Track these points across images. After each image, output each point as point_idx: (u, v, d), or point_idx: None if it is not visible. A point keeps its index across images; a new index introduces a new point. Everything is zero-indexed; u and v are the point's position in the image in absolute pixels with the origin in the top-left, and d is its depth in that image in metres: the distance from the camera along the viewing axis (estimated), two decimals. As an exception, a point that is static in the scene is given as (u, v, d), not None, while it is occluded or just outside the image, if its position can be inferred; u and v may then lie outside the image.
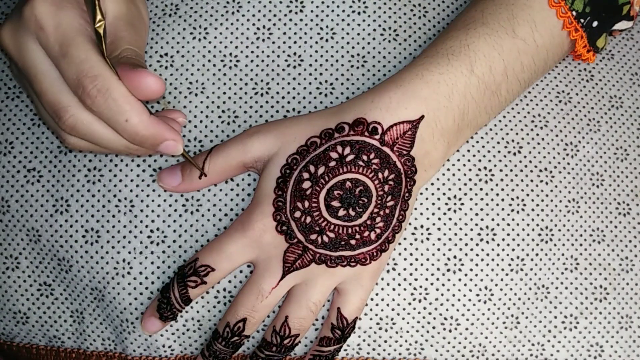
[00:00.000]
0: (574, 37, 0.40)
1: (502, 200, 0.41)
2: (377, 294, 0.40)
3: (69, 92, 0.34)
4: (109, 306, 0.40)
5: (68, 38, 0.33)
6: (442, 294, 0.40)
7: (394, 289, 0.40)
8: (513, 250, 0.41)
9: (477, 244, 0.40)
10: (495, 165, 0.41)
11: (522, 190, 0.41)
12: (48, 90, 0.34)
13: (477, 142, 0.41)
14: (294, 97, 0.41)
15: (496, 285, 0.41)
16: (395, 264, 0.40)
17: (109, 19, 0.36)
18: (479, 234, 0.40)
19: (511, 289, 0.41)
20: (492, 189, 0.41)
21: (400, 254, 0.40)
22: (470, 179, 0.41)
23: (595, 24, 0.40)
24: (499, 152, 0.41)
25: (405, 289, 0.40)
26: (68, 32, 0.33)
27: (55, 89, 0.34)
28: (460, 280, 0.40)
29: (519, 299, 0.41)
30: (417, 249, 0.40)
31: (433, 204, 0.40)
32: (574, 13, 0.39)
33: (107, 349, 0.42)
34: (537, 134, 0.42)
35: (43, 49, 0.34)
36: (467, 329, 0.41)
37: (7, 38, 0.35)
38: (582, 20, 0.40)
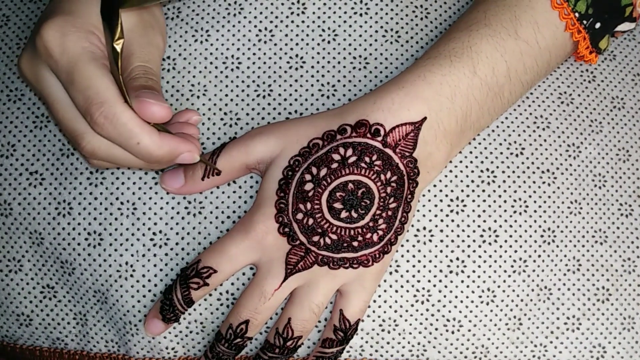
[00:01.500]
0: (577, 38, 0.40)
1: (505, 201, 0.41)
2: (379, 296, 0.40)
3: (83, 120, 0.34)
4: (112, 308, 0.40)
5: (72, 64, 0.33)
6: (444, 296, 0.40)
7: (396, 291, 0.40)
8: (515, 251, 0.41)
9: (479, 246, 0.40)
10: (497, 167, 0.41)
11: (525, 191, 0.41)
12: (64, 118, 0.35)
13: (480, 143, 0.41)
14: (296, 99, 0.41)
15: (499, 286, 0.41)
16: (397, 266, 0.40)
17: None
18: (482, 236, 0.40)
19: (513, 291, 0.41)
20: (494, 191, 0.41)
21: (402, 256, 0.40)
22: (472, 181, 0.41)
23: (598, 25, 0.40)
24: (501, 153, 0.41)
25: (407, 291, 0.40)
26: (73, 57, 0.33)
27: (70, 116, 0.34)
28: (462, 281, 0.40)
29: (522, 300, 0.41)
30: (419, 250, 0.40)
31: (435, 205, 0.40)
32: (576, 14, 0.39)
33: (111, 351, 0.42)
34: (539, 135, 0.42)
35: (56, 76, 0.34)
36: (469, 330, 0.41)
37: (26, 68, 0.35)
38: (584, 22, 0.40)
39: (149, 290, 0.40)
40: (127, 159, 0.36)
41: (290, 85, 0.41)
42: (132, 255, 0.40)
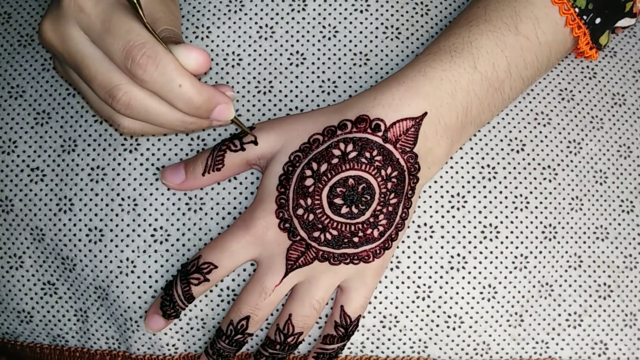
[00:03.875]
0: (577, 34, 0.40)
1: (506, 198, 0.41)
2: (380, 292, 0.40)
3: (118, 71, 0.33)
4: (113, 305, 0.40)
5: (109, 13, 0.33)
6: (445, 292, 0.40)
7: (397, 287, 0.40)
8: (516, 248, 0.41)
9: (480, 242, 0.40)
10: (498, 163, 0.41)
11: (526, 188, 0.41)
12: (98, 72, 0.34)
13: (480, 139, 0.41)
14: (296, 95, 0.41)
15: (500, 283, 0.41)
16: (398, 262, 0.40)
17: (143, 1, 0.35)
18: (482, 232, 0.40)
19: (515, 287, 0.41)
20: (495, 187, 0.41)
21: (403, 252, 0.40)
22: (473, 177, 0.41)
23: (598, 20, 0.40)
24: (502, 149, 0.41)
25: (408, 287, 0.40)
26: (108, 7, 0.33)
27: (105, 69, 0.33)
28: (463, 278, 0.40)
29: (523, 296, 0.41)
30: (420, 246, 0.40)
31: (436, 201, 0.40)
32: (576, 10, 0.39)
33: (111, 348, 0.42)
34: (540, 132, 0.42)
35: (85, 33, 0.34)
36: (470, 327, 0.41)
37: (49, 32, 0.34)
38: (585, 17, 0.40)
39: (150, 287, 0.40)
40: (162, 113, 0.34)
41: (291, 82, 0.41)
42: (132, 251, 0.40)
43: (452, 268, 0.40)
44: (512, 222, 0.41)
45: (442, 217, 0.40)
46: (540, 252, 0.41)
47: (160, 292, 0.40)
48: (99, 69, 0.34)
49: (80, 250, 0.40)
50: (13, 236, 0.41)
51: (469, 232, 0.40)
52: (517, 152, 0.42)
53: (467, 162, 0.41)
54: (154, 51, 0.32)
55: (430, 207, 0.40)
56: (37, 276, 0.42)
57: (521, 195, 0.41)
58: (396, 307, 0.40)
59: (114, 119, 0.35)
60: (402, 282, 0.40)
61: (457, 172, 0.41)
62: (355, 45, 0.42)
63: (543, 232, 0.41)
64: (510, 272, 0.41)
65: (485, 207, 0.41)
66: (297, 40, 0.42)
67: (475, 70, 0.38)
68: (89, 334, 0.42)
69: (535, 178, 0.42)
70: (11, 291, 0.42)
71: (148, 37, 0.33)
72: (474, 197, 0.41)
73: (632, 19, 0.42)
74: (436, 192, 0.40)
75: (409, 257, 0.40)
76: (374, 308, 0.40)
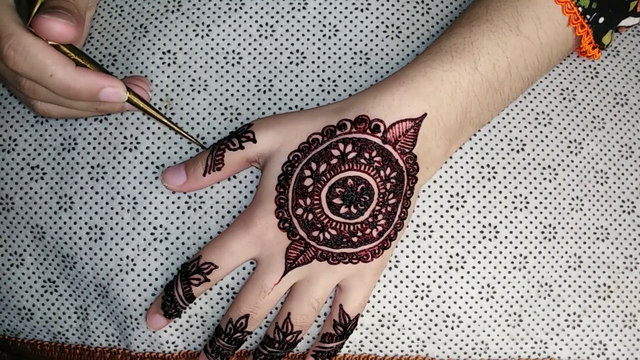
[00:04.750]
0: (580, 33, 0.40)
1: (505, 197, 0.41)
2: (379, 291, 0.40)
3: None
4: (113, 302, 0.41)
5: None
6: (444, 292, 0.40)
7: (396, 286, 0.40)
8: (516, 248, 0.41)
9: (479, 242, 0.40)
10: (498, 163, 0.41)
11: (525, 187, 0.41)
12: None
13: (480, 139, 0.41)
14: (296, 94, 0.41)
15: (499, 283, 0.41)
16: (397, 262, 0.40)
17: None
18: (482, 232, 0.40)
19: (514, 287, 0.41)
20: (495, 187, 0.41)
21: (402, 252, 0.40)
22: (473, 177, 0.41)
23: (601, 20, 0.40)
24: (502, 149, 0.41)
25: (407, 287, 0.40)
26: None
27: None
28: (462, 277, 0.40)
29: (522, 296, 0.41)
30: (419, 246, 0.40)
31: (435, 201, 0.40)
32: (580, 9, 0.39)
33: (111, 345, 0.42)
34: (541, 132, 0.42)
35: None
36: (469, 326, 0.41)
37: None
38: (588, 17, 0.40)
39: (150, 285, 0.40)
40: (51, 98, 0.34)
41: (291, 81, 0.41)
42: (132, 249, 0.40)
43: (451, 268, 0.40)
44: (511, 222, 0.41)
45: (442, 216, 0.40)
46: (540, 252, 0.41)
47: (160, 290, 0.40)
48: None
49: (81, 248, 0.40)
50: (13, 234, 0.42)
51: (468, 232, 0.40)
52: (518, 151, 0.41)
53: (467, 162, 0.41)
54: (18, 43, 0.32)
55: (430, 206, 0.40)
56: (37, 274, 0.42)
57: (521, 195, 0.41)
58: (395, 307, 0.40)
59: (27, 103, 0.36)
60: (401, 282, 0.40)
61: (456, 172, 0.41)
62: (356, 44, 0.42)
63: (543, 232, 0.41)
64: (510, 272, 0.41)
65: (484, 207, 0.41)
66: (297, 39, 0.42)
67: (475, 71, 0.37)
68: (89, 332, 0.42)
69: (535, 178, 0.41)
70: (12, 289, 0.42)
71: (13, 28, 0.32)
72: (474, 196, 0.41)
73: (636, 18, 0.42)
74: (435, 191, 0.40)
75: (407, 257, 0.40)
76: (373, 307, 0.40)
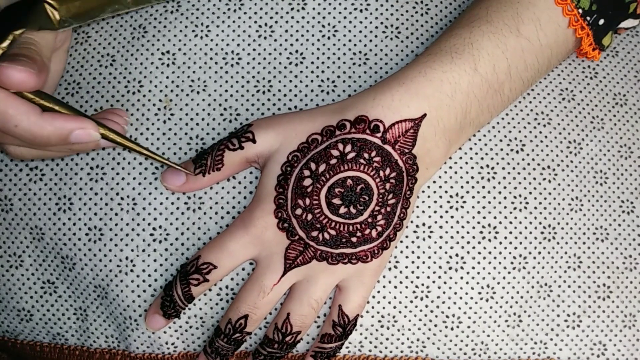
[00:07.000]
0: (580, 35, 0.40)
1: (505, 198, 0.41)
2: (378, 292, 0.40)
3: None
4: (112, 303, 0.41)
5: None
6: (443, 292, 0.40)
7: (395, 287, 0.40)
8: (515, 248, 0.41)
9: (479, 242, 0.40)
10: (497, 163, 0.41)
11: (525, 188, 0.41)
12: None
13: (480, 140, 0.41)
14: (295, 95, 0.41)
15: (498, 283, 0.41)
16: (397, 262, 0.40)
17: None
18: (481, 232, 0.40)
19: (513, 287, 0.41)
20: (494, 187, 0.41)
21: (401, 252, 0.40)
22: (472, 177, 0.41)
23: (601, 22, 0.40)
24: (501, 150, 0.41)
25: (407, 287, 0.40)
26: None
27: None
28: (462, 278, 0.40)
29: (522, 297, 0.41)
30: (418, 246, 0.40)
31: (435, 202, 0.40)
32: (580, 11, 0.39)
33: (111, 346, 0.42)
34: (540, 132, 0.42)
35: None
36: (469, 327, 0.41)
37: None
38: (588, 18, 0.40)
39: (149, 285, 0.40)
40: (22, 143, 0.33)
41: (290, 81, 0.41)
42: (132, 250, 0.40)
43: (450, 268, 0.40)
44: (511, 223, 0.41)
45: (441, 217, 0.40)
46: (540, 253, 0.41)
47: (159, 291, 0.40)
48: None
49: (80, 249, 0.40)
50: (13, 235, 0.41)
51: (468, 232, 0.40)
52: (517, 152, 0.42)
53: (467, 162, 0.41)
54: None
55: (429, 207, 0.40)
56: (36, 275, 0.42)
57: (520, 195, 0.41)
58: (394, 307, 0.40)
59: (2, 147, 0.35)
60: (401, 282, 0.40)
61: (456, 172, 0.41)
62: (355, 45, 0.42)
63: (542, 233, 0.41)
64: (509, 273, 0.41)
65: (484, 207, 0.41)
66: (297, 40, 0.42)
67: (475, 72, 0.37)
68: (88, 333, 0.42)
69: (534, 178, 0.41)
70: (11, 290, 0.42)
71: None
72: (473, 197, 0.41)
73: (636, 19, 0.42)
74: (435, 192, 0.40)
75: (407, 257, 0.40)
76: (372, 308, 0.40)
